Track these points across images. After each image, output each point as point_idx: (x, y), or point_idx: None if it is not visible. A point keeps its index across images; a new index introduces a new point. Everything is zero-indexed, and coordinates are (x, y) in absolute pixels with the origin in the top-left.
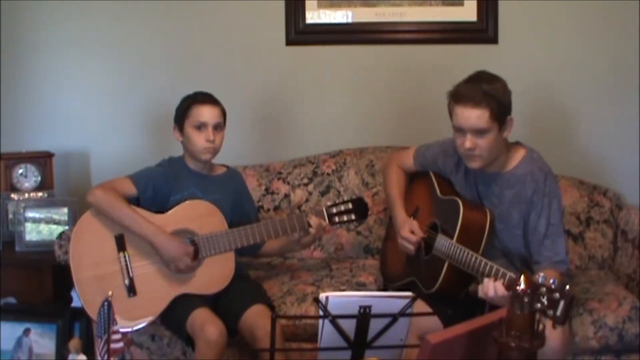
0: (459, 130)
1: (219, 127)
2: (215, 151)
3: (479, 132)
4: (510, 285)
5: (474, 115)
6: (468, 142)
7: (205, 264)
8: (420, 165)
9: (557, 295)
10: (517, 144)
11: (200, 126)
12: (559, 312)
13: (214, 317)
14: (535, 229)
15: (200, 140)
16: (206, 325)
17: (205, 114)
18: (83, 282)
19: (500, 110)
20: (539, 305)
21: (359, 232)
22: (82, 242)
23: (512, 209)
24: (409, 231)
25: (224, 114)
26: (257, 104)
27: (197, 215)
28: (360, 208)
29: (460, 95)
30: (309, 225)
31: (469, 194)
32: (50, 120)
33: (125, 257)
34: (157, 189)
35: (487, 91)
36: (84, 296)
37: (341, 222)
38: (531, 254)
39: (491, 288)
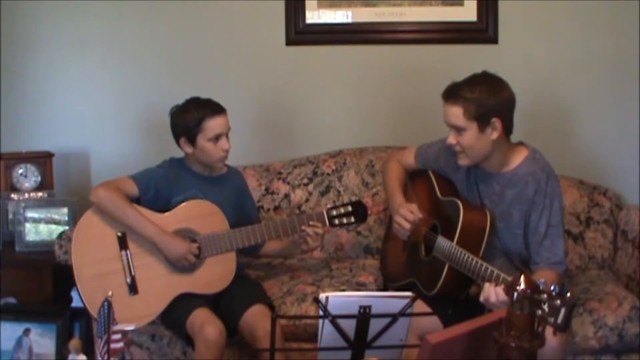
0: (447, 126)
1: (229, 132)
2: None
3: (457, 129)
4: (510, 286)
5: (451, 112)
6: (450, 137)
7: (206, 263)
8: (422, 164)
9: (558, 302)
10: (520, 144)
11: (216, 138)
12: (560, 320)
13: (213, 317)
14: (535, 230)
15: (217, 151)
16: (205, 326)
17: (219, 125)
18: (84, 279)
19: (479, 111)
20: (539, 312)
21: (359, 232)
22: (84, 240)
23: (513, 208)
24: (408, 210)
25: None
26: (257, 104)
27: (198, 215)
28: (359, 211)
29: (446, 90)
30: (306, 234)
31: (469, 192)
32: (50, 120)
33: (127, 255)
34: (158, 189)
35: (468, 90)
36: (86, 294)
37: (341, 225)
38: (530, 254)
39: (492, 294)
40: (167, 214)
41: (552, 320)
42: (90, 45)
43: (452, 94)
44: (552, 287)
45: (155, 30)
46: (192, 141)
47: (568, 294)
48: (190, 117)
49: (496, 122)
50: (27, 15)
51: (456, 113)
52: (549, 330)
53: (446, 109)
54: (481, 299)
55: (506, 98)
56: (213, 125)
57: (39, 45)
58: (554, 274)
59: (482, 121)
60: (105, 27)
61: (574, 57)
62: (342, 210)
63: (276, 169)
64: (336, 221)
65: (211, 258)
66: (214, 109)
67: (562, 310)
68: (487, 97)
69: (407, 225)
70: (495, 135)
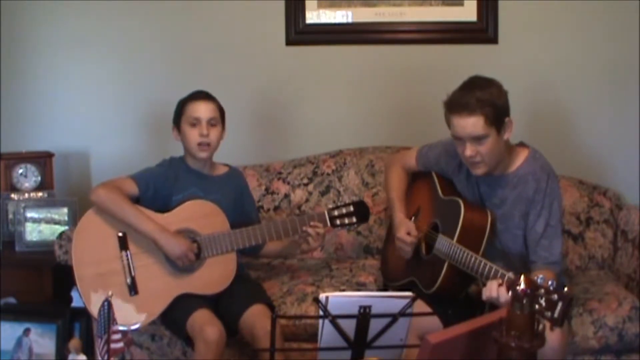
0: (458, 139)
1: (214, 122)
2: (211, 148)
3: (477, 139)
4: (510, 286)
5: (470, 123)
6: (468, 150)
7: (206, 264)
8: (423, 166)
9: (555, 296)
10: (521, 144)
11: (195, 122)
12: (556, 314)
13: (213, 318)
14: (532, 229)
15: (194, 135)
16: (205, 326)
17: (199, 109)
18: (85, 278)
19: (496, 115)
20: (537, 306)
21: (359, 232)
22: (85, 239)
23: (514, 209)
24: (406, 233)
25: (220, 110)
26: (257, 104)
27: (199, 215)
28: (361, 211)
29: (453, 104)
30: (307, 234)
31: (470, 194)
32: (50, 120)
33: (127, 255)
34: (157, 189)
35: (479, 97)
36: (86, 293)
37: (342, 225)
38: (528, 253)
39: (494, 289)
40: (167, 214)
41: (548, 314)
42: (90, 45)
43: (466, 104)
44: (549, 282)
45: (155, 30)
46: (178, 127)
47: (565, 289)
48: (180, 102)
49: (508, 121)
50: (27, 15)
51: (476, 123)
52: (549, 330)
53: (461, 121)
54: (483, 297)
55: (506, 95)
56: (192, 108)
57: (39, 45)
58: (550, 274)
59: (499, 123)
60: (105, 27)
61: (574, 57)
62: (343, 211)
63: (276, 169)
64: (337, 222)
65: (211, 258)
66: (199, 95)
67: (559, 305)
68: (497, 98)
69: (408, 249)
70: (507, 135)
